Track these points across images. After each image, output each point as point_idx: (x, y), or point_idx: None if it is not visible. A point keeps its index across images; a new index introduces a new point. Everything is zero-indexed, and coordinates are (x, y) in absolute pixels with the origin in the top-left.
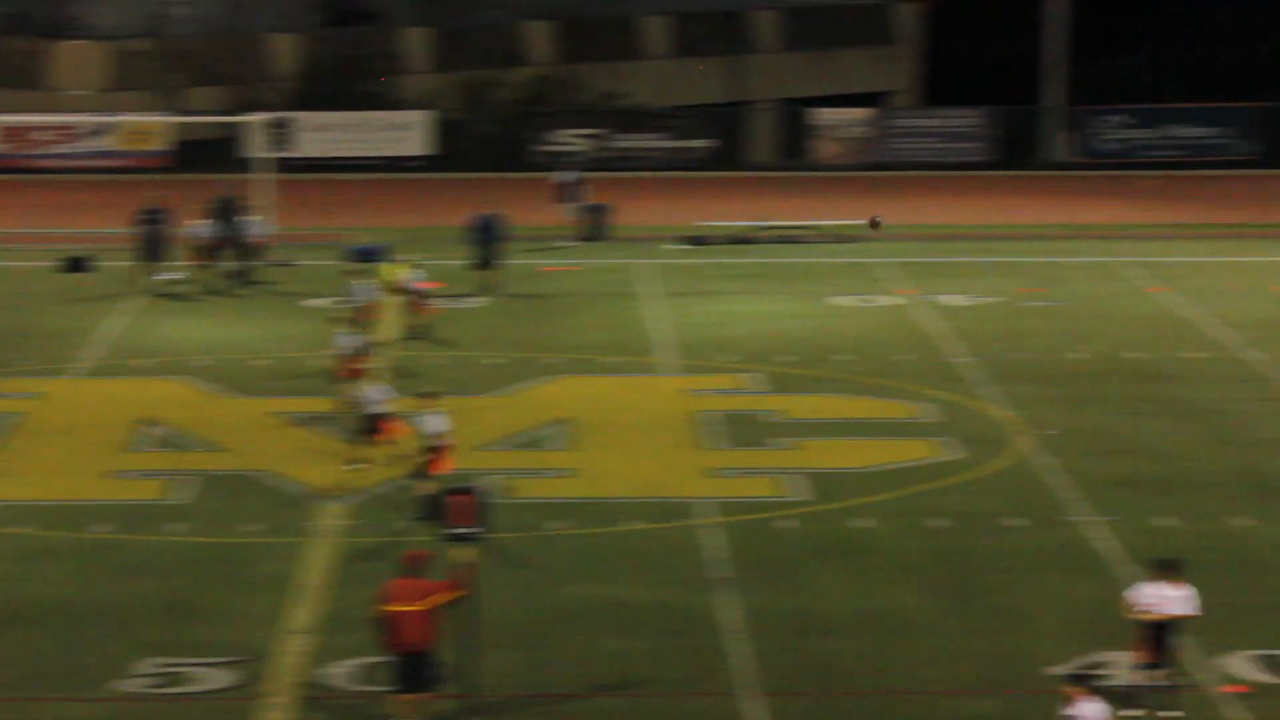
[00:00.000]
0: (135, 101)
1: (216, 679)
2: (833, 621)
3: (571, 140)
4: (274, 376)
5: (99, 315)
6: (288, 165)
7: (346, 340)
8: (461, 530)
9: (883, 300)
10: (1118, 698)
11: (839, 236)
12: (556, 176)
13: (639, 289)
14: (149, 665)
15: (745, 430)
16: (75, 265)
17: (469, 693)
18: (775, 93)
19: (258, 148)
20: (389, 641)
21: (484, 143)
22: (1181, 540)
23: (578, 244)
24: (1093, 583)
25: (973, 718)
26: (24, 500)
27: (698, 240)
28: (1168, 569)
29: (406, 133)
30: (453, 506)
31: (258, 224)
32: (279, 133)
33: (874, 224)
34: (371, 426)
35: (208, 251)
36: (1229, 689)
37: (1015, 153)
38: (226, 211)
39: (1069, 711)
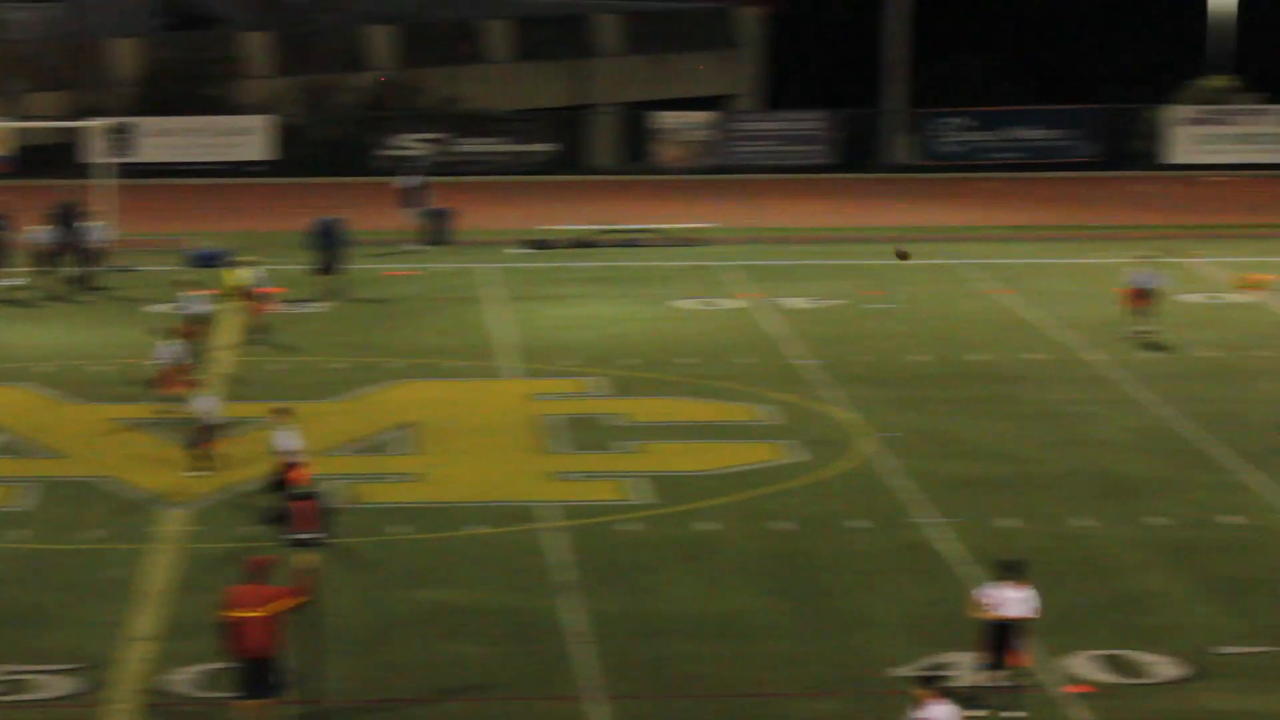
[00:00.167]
0: None
1: (59, 686)
2: (677, 624)
3: (413, 145)
4: (114, 382)
5: None
6: (129, 170)
7: (167, 351)
8: (304, 536)
9: (725, 303)
10: (961, 698)
11: (681, 240)
12: (400, 181)
13: (481, 293)
14: None
15: (588, 434)
16: None
17: (313, 698)
18: (617, 96)
19: (98, 153)
20: (232, 647)
21: (325, 147)
22: (1024, 541)
23: (420, 248)
24: (935, 584)
25: (817, 719)
26: None
27: (540, 244)
28: (1011, 570)
29: (247, 137)
30: (295, 512)
31: (98, 229)
32: (120, 138)
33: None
34: (202, 435)
35: (48, 257)
36: (1072, 689)
37: (857, 155)
38: (67, 217)
39: (918, 714)
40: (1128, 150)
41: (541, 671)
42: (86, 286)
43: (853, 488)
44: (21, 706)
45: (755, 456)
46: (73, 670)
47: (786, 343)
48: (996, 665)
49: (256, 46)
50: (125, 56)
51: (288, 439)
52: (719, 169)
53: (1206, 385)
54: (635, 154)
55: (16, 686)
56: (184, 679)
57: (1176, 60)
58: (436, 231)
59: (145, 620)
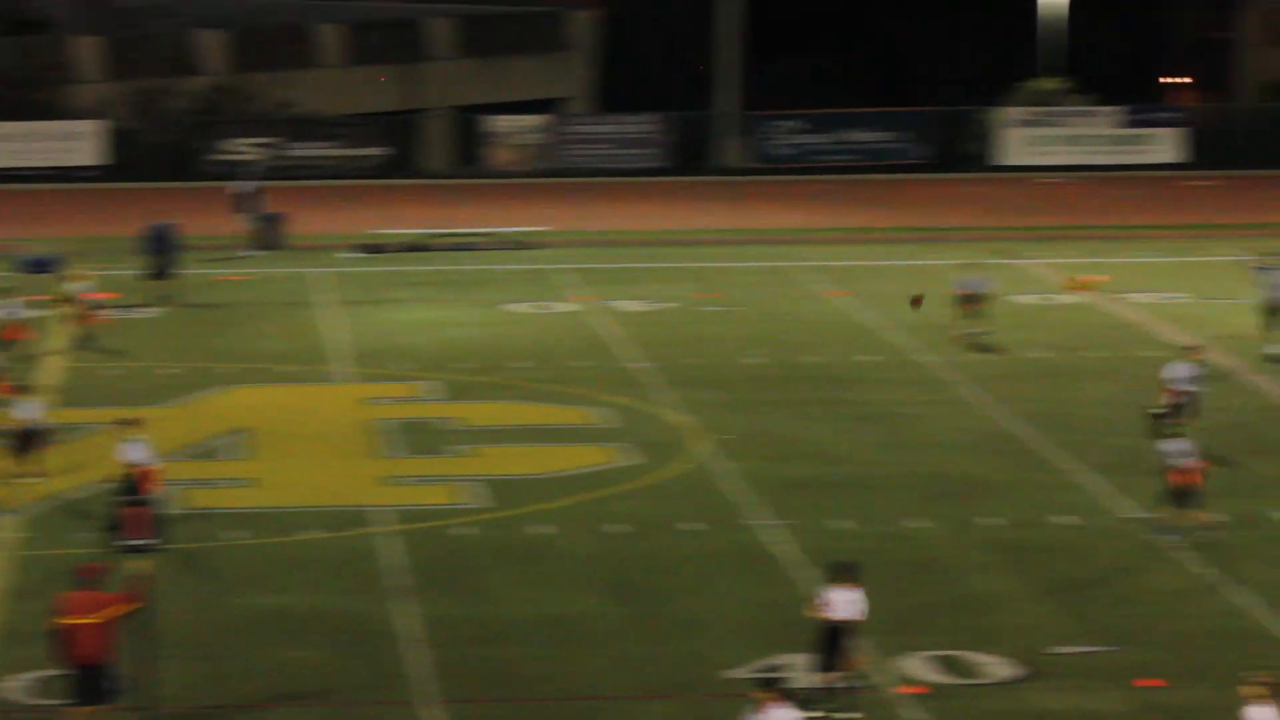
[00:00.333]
0: None
1: None
2: (512, 628)
3: (245, 149)
4: None
5: None
6: None
7: None
8: (137, 541)
9: (559, 307)
10: (797, 700)
11: (514, 243)
12: (233, 186)
13: (314, 298)
14: None
15: (423, 438)
16: None
17: (147, 705)
18: (450, 100)
19: None
20: (65, 654)
21: (157, 152)
22: (858, 543)
23: (253, 253)
24: (770, 586)
25: None
26: None
27: (373, 248)
28: (843, 572)
29: (78, 142)
30: (128, 518)
31: None
32: None
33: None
34: (26, 442)
35: None
36: (906, 690)
37: (690, 158)
38: None
39: (759, 717)
40: (960, 152)
41: (377, 676)
42: None
43: (687, 490)
44: None
45: (589, 459)
46: None
47: (620, 346)
48: (829, 667)
49: (87, 51)
50: None
51: (136, 449)
52: (552, 172)
53: (1038, 386)
54: (468, 157)
55: None
56: (17, 686)
57: (1008, 63)
58: (269, 236)
59: None
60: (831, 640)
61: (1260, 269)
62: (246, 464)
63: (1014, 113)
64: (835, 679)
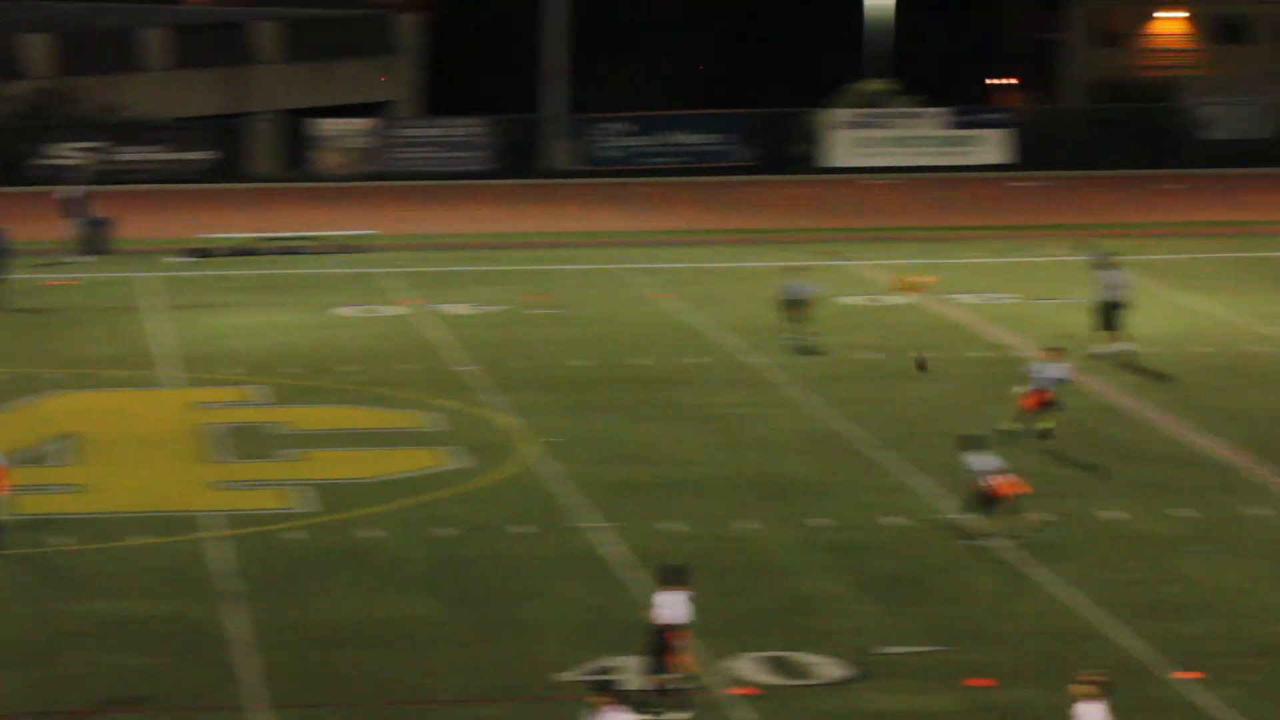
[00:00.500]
0: None
1: None
2: (342, 632)
3: (72, 154)
4: None
5: None
6: None
7: None
8: None
9: (387, 310)
10: (630, 703)
11: (342, 247)
12: (60, 190)
13: (142, 302)
14: None
15: (251, 442)
16: None
17: None
18: (277, 104)
19: None
20: None
21: None
22: (688, 545)
23: (80, 258)
24: (601, 588)
25: None
26: None
27: (200, 252)
28: (672, 575)
29: None
30: None
31: None
32: None
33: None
34: None
35: None
36: (737, 691)
37: (517, 161)
38: None
39: None
40: (786, 154)
41: (207, 681)
42: None
43: (516, 493)
44: None
45: (418, 463)
46: None
47: (448, 349)
48: (661, 669)
49: None
50: None
51: None
52: (379, 176)
53: (866, 387)
54: (295, 161)
55: None
56: None
57: (835, 64)
58: (96, 241)
59: None
60: (662, 642)
61: (1097, 268)
62: (75, 469)
63: (840, 114)
64: (667, 681)
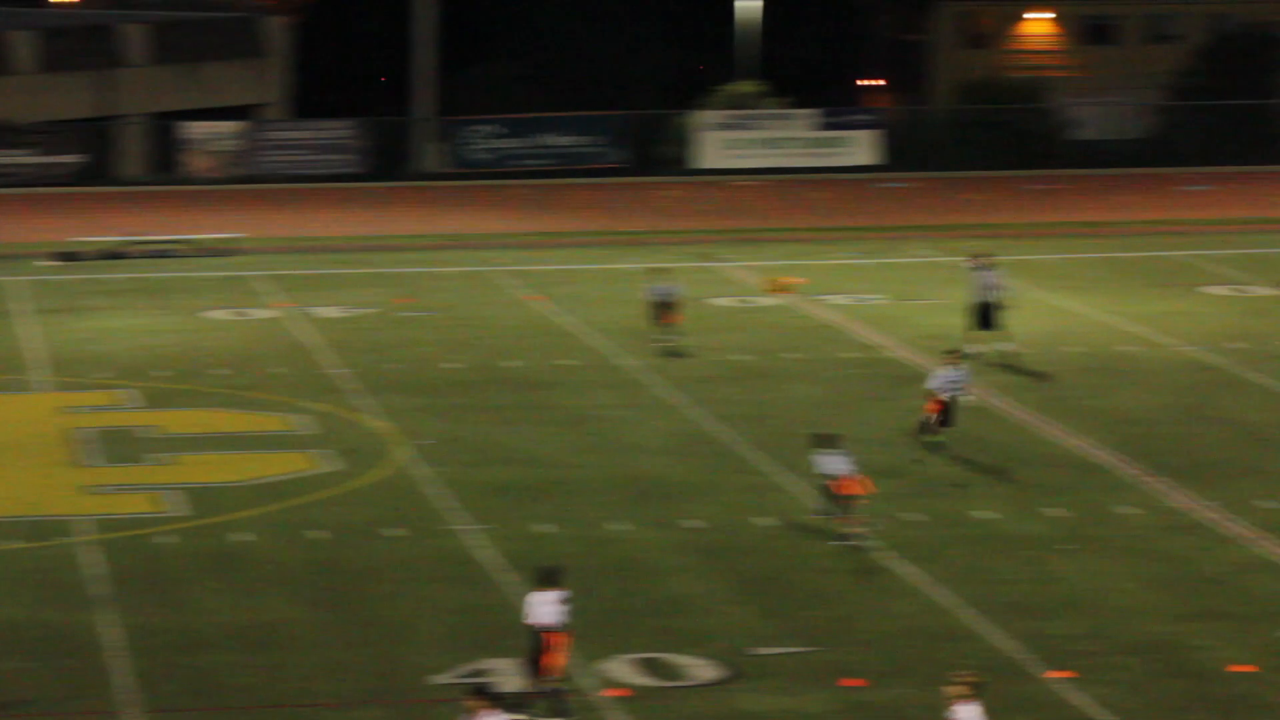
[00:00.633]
0: None
1: None
2: (215, 637)
3: None
4: None
5: None
6: None
7: None
8: None
9: (257, 313)
10: (505, 705)
11: (212, 250)
12: None
13: (10, 306)
14: None
15: (122, 446)
16: None
17: None
18: (145, 107)
19: None
20: None
21: None
22: (561, 547)
23: None
24: (474, 591)
25: None
26: None
27: (69, 256)
28: (547, 577)
29: None
30: None
31: None
32: None
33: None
34: None
35: None
36: (611, 693)
37: (388, 164)
38: None
39: None
40: (657, 156)
41: (79, 686)
42: None
43: (388, 496)
44: None
45: (290, 466)
46: None
47: (319, 352)
48: (536, 671)
49: None
50: None
51: None
52: (249, 178)
53: (738, 388)
54: (164, 164)
55: None
56: None
57: (706, 66)
58: None
59: None
60: (538, 644)
61: (974, 269)
62: None
63: (710, 116)
64: (542, 683)
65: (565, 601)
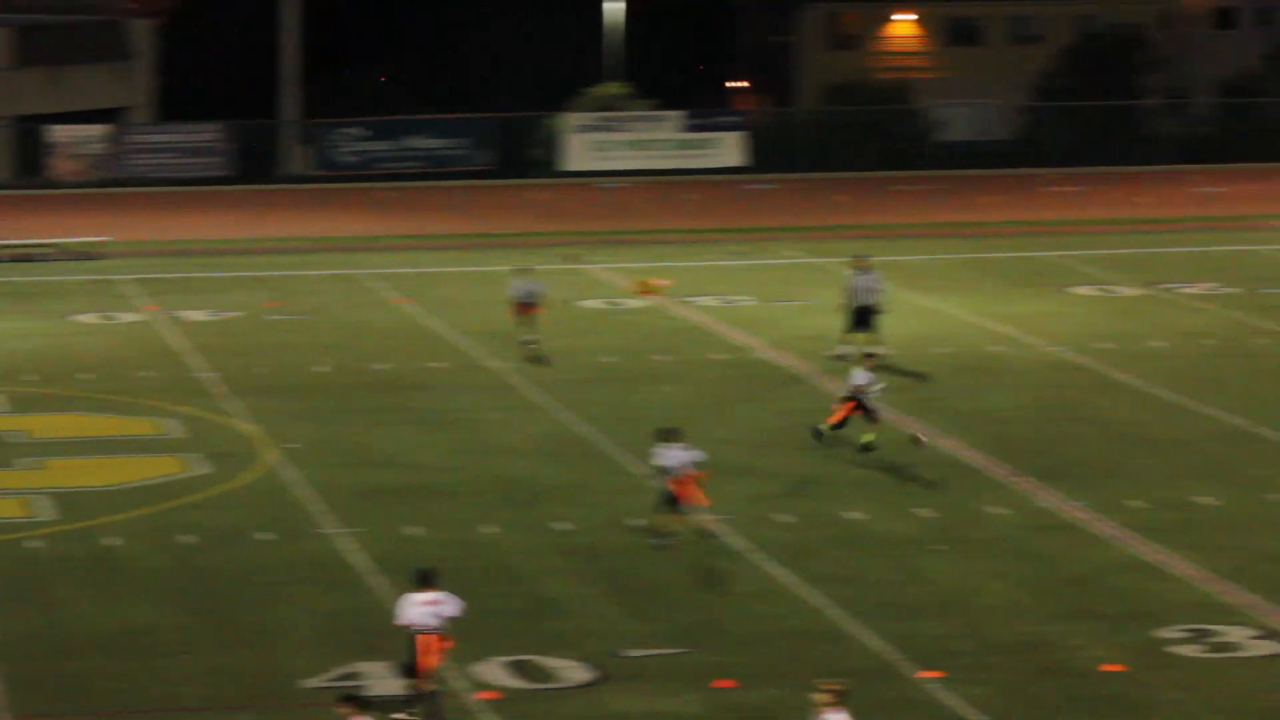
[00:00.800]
0: None
1: None
2: (85, 641)
3: None
4: None
5: None
6: None
7: None
8: None
9: (125, 317)
10: (379, 708)
11: (78, 254)
12: None
13: None
14: None
15: None
16: None
17: None
18: (9, 110)
19: None
20: None
21: None
22: (432, 549)
23: None
24: (345, 594)
25: None
26: None
27: None
28: (424, 578)
29: None
30: None
31: None
32: None
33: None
34: None
35: None
36: (482, 695)
37: (254, 167)
38: None
39: None
40: (524, 158)
41: None
42: None
43: (258, 500)
44: None
45: (159, 470)
46: None
47: (188, 355)
48: (412, 674)
49: None
50: None
51: None
52: (115, 182)
53: (606, 389)
54: (29, 168)
55: None
56: None
57: (574, 69)
58: None
59: None
60: (413, 647)
61: (853, 271)
62: None
63: (577, 118)
64: (417, 685)
65: (444, 603)
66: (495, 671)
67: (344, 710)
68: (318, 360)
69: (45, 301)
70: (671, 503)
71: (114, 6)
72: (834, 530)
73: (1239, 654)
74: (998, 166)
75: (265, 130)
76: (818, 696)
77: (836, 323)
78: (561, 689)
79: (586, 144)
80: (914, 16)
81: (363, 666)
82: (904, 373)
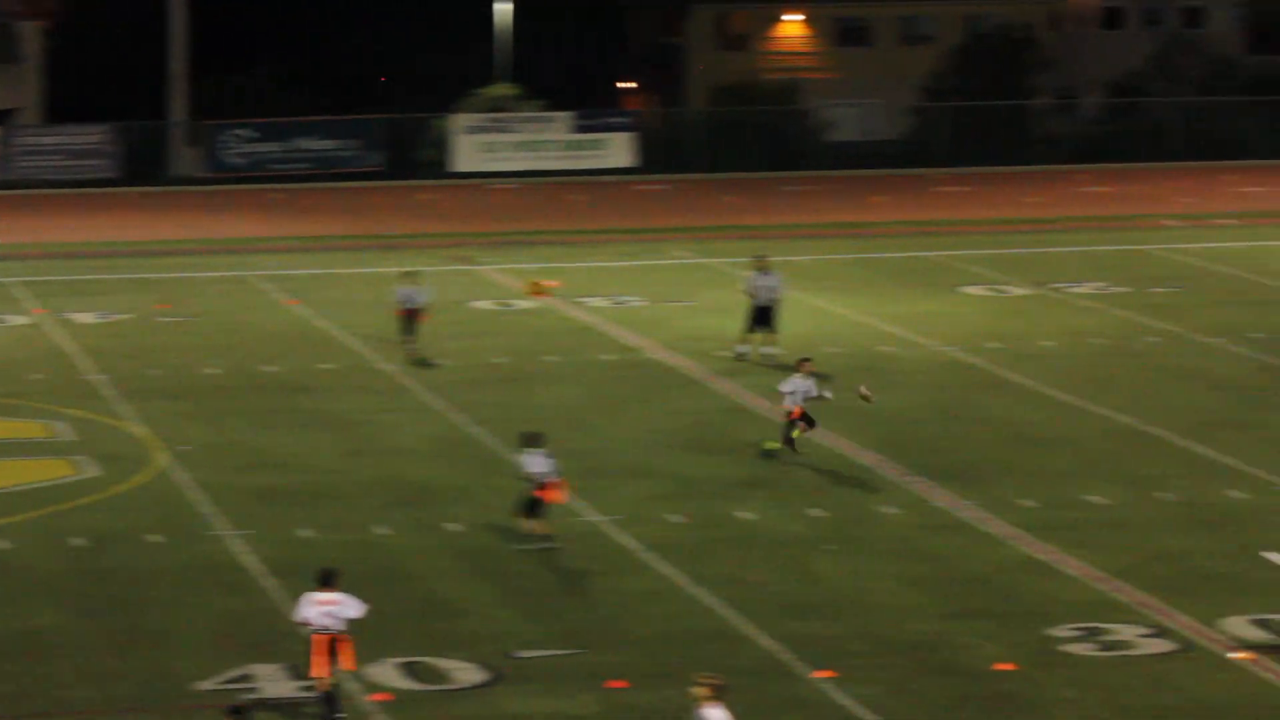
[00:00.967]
0: None
1: None
2: None
3: None
4: None
5: None
6: None
7: None
8: None
9: (13, 319)
10: (276, 709)
11: None
12: None
13: None
14: None
15: None
16: None
17: None
18: None
19: None
20: None
21: None
22: (325, 551)
23: None
24: (238, 596)
25: None
26: None
27: None
28: (325, 580)
29: None
30: None
31: None
32: None
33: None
34: None
35: None
36: (375, 697)
37: (143, 169)
38: None
39: None
40: (414, 159)
41: None
42: None
43: (149, 502)
44: None
45: (49, 474)
46: None
47: (77, 358)
48: (310, 674)
49: None
50: None
51: None
52: (2, 184)
53: (497, 390)
54: None
55: None
56: None
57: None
58: None
59: None
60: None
61: (753, 272)
62: None
63: (466, 119)
64: (315, 686)
65: (343, 604)
66: (388, 673)
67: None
68: (208, 362)
69: None
70: (533, 508)
71: (1, 8)
72: (726, 530)
73: (1130, 652)
74: (887, 167)
75: (154, 132)
76: (695, 691)
77: (726, 323)
78: (455, 690)
79: (476, 145)
80: (803, 17)
81: (255, 668)
82: (785, 373)
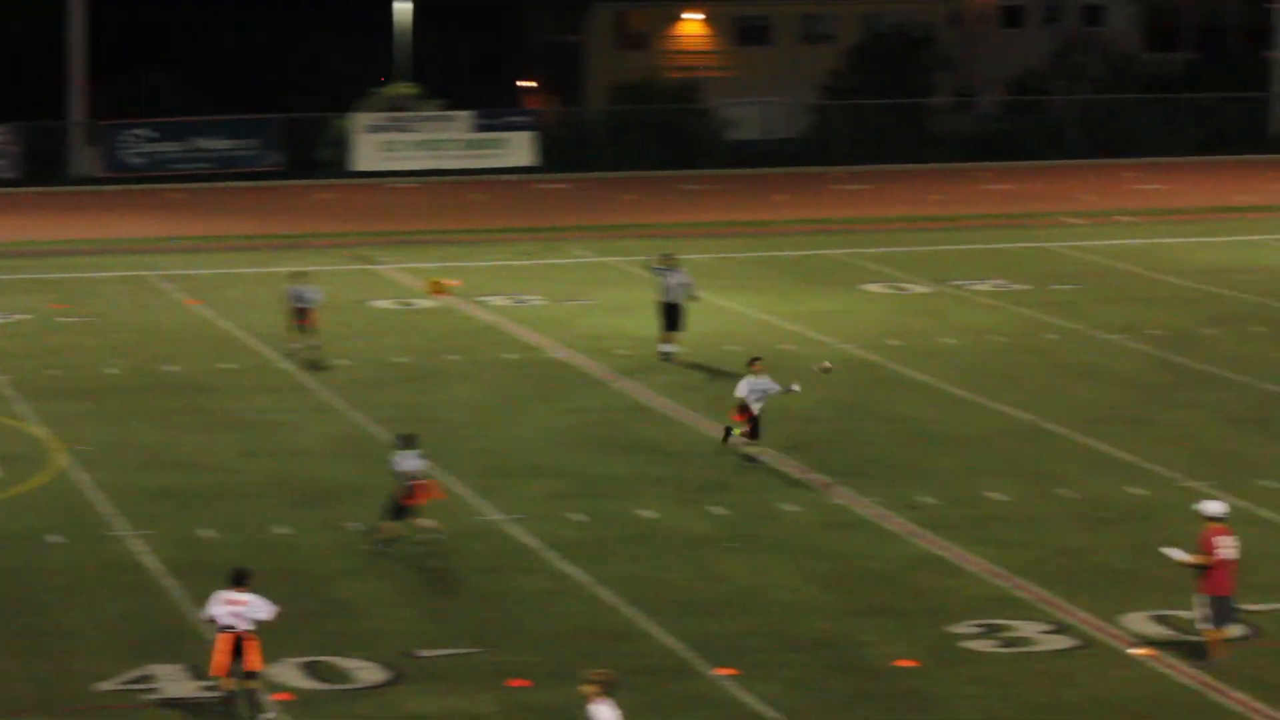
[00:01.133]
0: None
1: None
2: None
3: None
4: None
5: None
6: None
7: None
8: None
9: None
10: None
11: None
12: None
13: None
14: None
15: None
16: None
17: None
18: None
19: None
20: None
21: None
22: (225, 551)
23: None
24: (139, 597)
25: None
26: None
27: None
28: (237, 579)
29: None
30: None
31: None
32: None
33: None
34: None
35: None
36: (277, 696)
37: (42, 169)
38: None
39: None
40: (313, 159)
41: None
42: None
43: (49, 503)
44: None
45: None
46: None
47: None
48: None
49: None
50: None
51: None
52: None
53: (398, 390)
54: None
55: None
56: None
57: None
58: None
59: None
60: (236, 647)
61: (658, 269)
62: None
63: (366, 118)
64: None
65: (252, 605)
66: (289, 672)
67: None
68: (108, 362)
69: None
70: (400, 508)
71: None
72: (627, 528)
73: (1031, 649)
74: (787, 165)
75: (52, 131)
76: (585, 688)
77: (627, 322)
78: (356, 690)
79: (375, 144)
80: (702, 16)
81: (156, 669)
82: (686, 371)
